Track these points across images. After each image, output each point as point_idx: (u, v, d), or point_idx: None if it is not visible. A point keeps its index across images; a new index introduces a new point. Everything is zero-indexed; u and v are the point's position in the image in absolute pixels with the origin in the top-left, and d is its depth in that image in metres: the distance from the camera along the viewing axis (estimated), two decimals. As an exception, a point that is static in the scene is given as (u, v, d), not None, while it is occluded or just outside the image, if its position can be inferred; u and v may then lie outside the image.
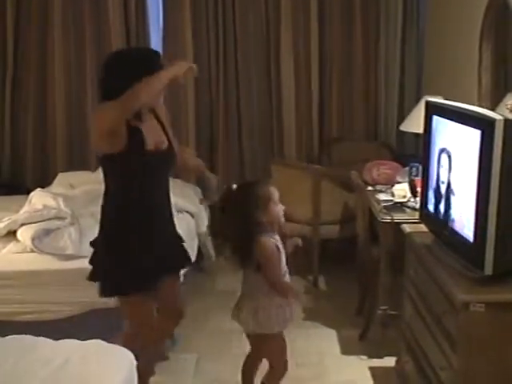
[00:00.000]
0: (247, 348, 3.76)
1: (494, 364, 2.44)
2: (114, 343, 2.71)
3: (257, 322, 2.87)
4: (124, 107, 2.64)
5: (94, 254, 2.96)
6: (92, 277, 2.95)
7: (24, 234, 3.76)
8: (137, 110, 2.72)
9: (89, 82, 5.45)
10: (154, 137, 2.85)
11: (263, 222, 2.81)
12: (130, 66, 2.75)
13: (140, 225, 2.86)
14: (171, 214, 3.06)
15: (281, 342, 2.97)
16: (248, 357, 3.10)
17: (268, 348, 2.98)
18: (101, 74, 2.83)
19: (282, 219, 2.91)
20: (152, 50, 3.31)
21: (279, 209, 2.88)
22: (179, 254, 3.14)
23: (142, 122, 2.81)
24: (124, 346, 2.70)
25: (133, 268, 2.84)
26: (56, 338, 2.70)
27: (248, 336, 3.02)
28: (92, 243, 2.99)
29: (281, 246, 2.87)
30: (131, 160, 2.76)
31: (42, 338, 2.69)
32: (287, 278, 2.91)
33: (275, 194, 2.86)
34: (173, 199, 3.06)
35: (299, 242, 3.05)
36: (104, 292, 2.92)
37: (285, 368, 3.01)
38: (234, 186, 2.86)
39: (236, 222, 2.82)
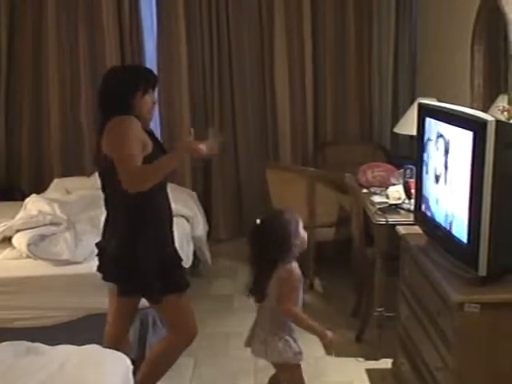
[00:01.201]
0: (244, 351, 3.76)
1: (489, 364, 2.45)
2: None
3: (268, 351, 2.82)
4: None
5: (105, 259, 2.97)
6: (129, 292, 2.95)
7: (19, 240, 3.76)
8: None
9: (83, 88, 5.46)
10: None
11: (296, 246, 2.78)
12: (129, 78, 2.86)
13: (161, 223, 2.92)
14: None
15: (297, 372, 2.88)
16: (273, 376, 3.04)
17: (283, 376, 2.93)
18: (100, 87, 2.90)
19: (305, 245, 2.88)
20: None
21: (305, 236, 2.85)
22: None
23: None
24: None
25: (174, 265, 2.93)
26: (52, 344, 2.70)
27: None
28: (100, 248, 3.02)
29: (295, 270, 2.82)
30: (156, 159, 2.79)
31: (37, 344, 2.69)
32: (300, 305, 2.86)
33: (300, 219, 2.83)
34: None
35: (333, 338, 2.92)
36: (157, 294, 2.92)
37: None
38: (258, 221, 2.81)
39: (270, 250, 2.76)
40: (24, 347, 2.64)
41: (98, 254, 3.04)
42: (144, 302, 3.08)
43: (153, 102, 2.91)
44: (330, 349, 2.78)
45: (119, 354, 2.63)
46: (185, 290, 2.99)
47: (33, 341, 2.72)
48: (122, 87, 2.82)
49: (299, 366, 2.87)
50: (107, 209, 2.94)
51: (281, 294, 2.76)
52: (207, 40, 5.45)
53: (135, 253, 2.82)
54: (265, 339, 2.83)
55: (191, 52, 5.48)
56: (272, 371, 3.03)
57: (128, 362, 2.61)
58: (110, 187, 2.87)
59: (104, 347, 2.74)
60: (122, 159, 2.67)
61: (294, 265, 2.80)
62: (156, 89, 2.95)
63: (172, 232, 3.01)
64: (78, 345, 2.69)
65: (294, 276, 2.77)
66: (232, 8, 5.40)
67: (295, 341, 2.82)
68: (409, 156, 4.72)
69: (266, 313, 2.85)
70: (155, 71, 3.22)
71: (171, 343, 3.06)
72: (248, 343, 2.96)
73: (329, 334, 2.79)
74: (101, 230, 3.01)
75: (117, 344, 2.92)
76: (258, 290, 2.84)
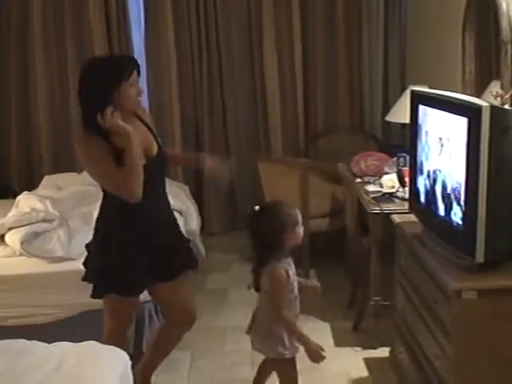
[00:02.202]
0: (240, 345, 3.77)
1: (487, 351, 2.45)
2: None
3: (265, 345, 2.84)
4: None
5: (89, 255, 2.98)
6: (85, 278, 2.98)
7: (12, 238, 3.74)
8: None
9: (71, 83, 5.40)
10: (144, 143, 2.84)
11: (288, 243, 2.77)
12: (103, 75, 2.75)
13: (138, 229, 2.86)
14: (173, 216, 3.09)
15: (291, 366, 2.88)
16: (265, 360, 3.03)
17: (277, 369, 2.94)
18: (78, 84, 2.85)
19: (299, 242, 2.85)
20: (127, 57, 3.23)
21: (301, 231, 2.82)
22: (184, 255, 3.11)
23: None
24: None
25: (126, 270, 2.87)
26: (49, 341, 2.68)
27: None
28: (87, 246, 3.01)
29: (292, 270, 2.80)
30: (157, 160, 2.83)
31: (34, 342, 2.67)
32: (297, 304, 2.85)
33: (299, 215, 2.81)
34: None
35: (319, 289, 2.97)
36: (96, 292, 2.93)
37: None
38: (257, 208, 2.82)
39: (264, 242, 2.76)
40: (20, 346, 2.62)
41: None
42: (142, 296, 3.08)
43: (138, 92, 2.81)
44: (317, 359, 2.78)
45: (117, 349, 2.62)
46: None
47: (29, 339, 2.70)
48: (98, 86, 2.73)
49: (293, 359, 2.87)
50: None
51: (270, 293, 2.77)
52: (195, 31, 5.40)
53: (112, 251, 2.85)
54: (261, 333, 2.84)
55: (179, 43, 5.43)
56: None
57: (126, 357, 2.60)
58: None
59: (102, 343, 2.73)
60: (102, 180, 2.78)
61: (283, 267, 2.74)
62: (138, 77, 2.84)
63: (163, 228, 2.98)
64: (75, 342, 2.67)
65: (277, 281, 2.73)
66: (220, 4, 5.36)
67: (288, 336, 2.80)
68: (401, 144, 4.72)
69: (261, 305, 2.86)
70: (143, 62, 3.13)
71: (171, 328, 3.13)
72: (248, 331, 2.96)
73: (315, 346, 2.76)
74: (93, 226, 2.99)
75: (116, 339, 2.91)
76: (254, 279, 2.85)
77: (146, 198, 2.76)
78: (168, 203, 3.03)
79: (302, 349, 2.82)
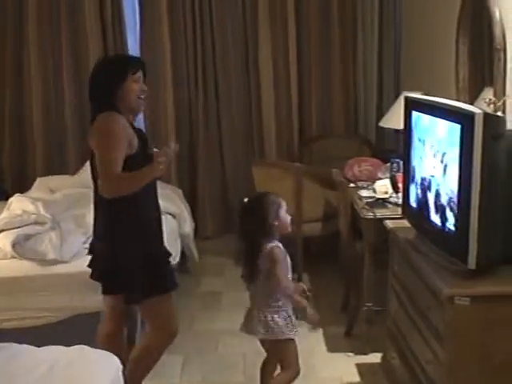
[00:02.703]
0: (233, 348, 3.76)
1: (479, 357, 2.45)
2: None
3: (267, 328, 2.89)
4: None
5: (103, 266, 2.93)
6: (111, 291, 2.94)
7: (4, 241, 3.72)
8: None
9: (66, 85, 5.41)
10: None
11: (275, 226, 2.89)
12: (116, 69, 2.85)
13: (147, 223, 2.90)
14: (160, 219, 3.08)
15: (293, 347, 2.98)
16: (265, 361, 3.09)
17: (281, 352, 2.99)
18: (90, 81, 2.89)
19: (290, 229, 2.98)
20: (135, 57, 3.41)
21: (288, 217, 2.96)
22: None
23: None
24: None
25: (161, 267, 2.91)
26: (39, 345, 2.67)
27: (262, 343, 3.03)
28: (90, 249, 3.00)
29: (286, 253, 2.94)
30: (140, 160, 2.79)
31: (25, 346, 2.66)
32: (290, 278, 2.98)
33: (283, 202, 2.96)
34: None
35: (305, 287, 3.04)
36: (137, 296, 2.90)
37: (297, 373, 3.00)
38: (246, 199, 2.99)
39: (251, 228, 2.90)
40: (11, 349, 2.60)
41: (90, 252, 3.04)
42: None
43: (141, 89, 2.88)
44: (314, 322, 3.03)
45: (108, 353, 2.61)
46: (169, 292, 2.97)
47: (20, 342, 2.69)
48: (106, 78, 2.83)
49: (293, 340, 2.95)
50: (94, 207, 2.93)
51: (268, 270, 2.86)
52: (190, 36, 5.40)
53: (117, 251, 2.83)
54: (260, 318, 2.91)
55: (175, 48, 5.44)
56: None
57: (117, 361, 2.59)
58: (95, 184, 2.87)
59: (97, 347, 2.72)
60: (105, 162, 2.70)
61: (276, 243, 2.90)
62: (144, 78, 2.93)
63: (160, 232, 2.99)
64: (66, 345, 2.66)
65: (275, 254, 2.87)
66: (216, 8, 5.37)
67: (289, 315, 2.91)
68: (394, 150, 4.73)
69: (259, 292, 2.92)
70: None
71: (152, 341, 3.06)
72: (243, 328, 3.03)
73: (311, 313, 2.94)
74: (86, 229, 3.00)
75: (110, 344, 2.90)
76: (247, 270, 2.95)
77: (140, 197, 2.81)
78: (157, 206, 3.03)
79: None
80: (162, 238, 3.01)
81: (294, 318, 2.93)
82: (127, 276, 2.83)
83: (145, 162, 2.80)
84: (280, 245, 2.92)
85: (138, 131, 2.90)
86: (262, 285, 2.90)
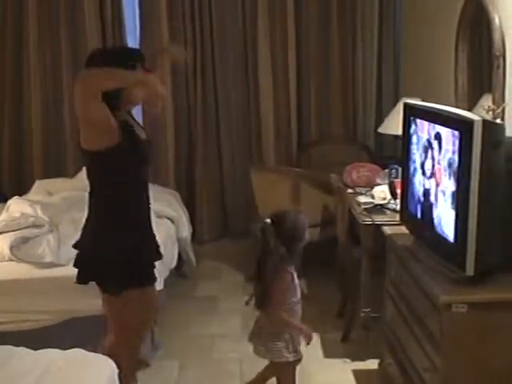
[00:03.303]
0: (229, 353, 3.76)
1: (476, 364, 2.45)
2: (98, 352, 2.69)
3: (269, 351, 2.90)
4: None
5: (83, 255, 2.91)
6: (85, 279, 2.91)
7: (2, 243, 3.71)
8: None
9: (65, 87, 5.40)
10: (136, 127, 2.89)
11: (299, 250, 2.87)
12: (114, 59, 2.78)
13: (137, 218, 2.89)
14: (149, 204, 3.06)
15: (291, 369, 2.99)
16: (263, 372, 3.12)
17: (279, 373, 3.02)
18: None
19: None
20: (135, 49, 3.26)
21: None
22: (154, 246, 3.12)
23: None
24: (110, 352, 2.73)
25: (135, 262, 2.85)
26: (36, 348, 2.67)
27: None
28: (77, 245, 2.96)
29: (295, 275, 2.92)
30: (127, 153, 2.76)
31: (21, 348, 2.66)
32: (299, 307, 2.97)
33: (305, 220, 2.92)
34: (152, 205, 3.04)
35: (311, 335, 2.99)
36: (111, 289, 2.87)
37: None
38: (268, 221, 2.86)
39: (278, 252, 2.82)
40: (7, 352, 2.60)
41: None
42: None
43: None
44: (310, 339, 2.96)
45: (104, 357, 2.60)
46: (147, 285, 2.96)
47: (16, 345, 2.68)
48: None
49: (293, 363, 2.96)
50: (88, 208, 2.93)
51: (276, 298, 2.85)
52: (190, 41, 5.41)
53: (101, 241, 2.83)
54: (265, 338, 2.90)
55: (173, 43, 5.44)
56: (259, 368, 3.10)
57: (113, 365, 2.58)
58: (91, 185, 2.87)
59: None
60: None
61: (290, 273, 2.87)
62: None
63: (147, 229, 2.98)
64: (62, 348, 2.66)
65: (283, 285, 2.84)
66: (215, 12, 5.37)
67: (293, 339, 2.90)
68: (393, 156, 4.73)
69: (268, 315, 2.91)
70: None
71: (113, 344, 2.99)
72: (250, 338, 3.02)
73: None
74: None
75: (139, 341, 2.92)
76: (259, 295, 2.89)
77: (137, 183, 2.85)
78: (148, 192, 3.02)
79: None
80: (147, 235, 2.99)
81: (296, 341, 2.92)
82: (105, 265, 2.81)
83: (136, 154, 2.80)
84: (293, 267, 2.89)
85: (126, 123, 2.82)
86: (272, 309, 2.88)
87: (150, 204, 3.00)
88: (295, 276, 2.89)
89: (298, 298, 2.94)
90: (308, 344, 2.94)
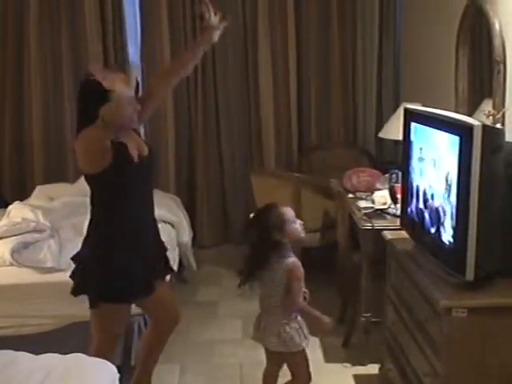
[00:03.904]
0: (229, 357, 3.76)
1: (477, 369, 2.45)
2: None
3: (280, 340, 2.90)
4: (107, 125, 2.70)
5: (79, 267, 2.94)
6: (78, 290, 2.94)
7: (3, 248, 3.71)
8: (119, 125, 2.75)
9: (66, 93, 5.42)
10: (135, 145, 2.87)
11: (284, 242, 2.89)
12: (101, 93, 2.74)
13: (130, 233, 2.87)
14: (155, 221, 3.07)
15: (304, 356, 2.99)
16: (266, 371, 3.10)
17: (294, 363, 3.01)
18: (77, 100, 2.88)
19: (303, 234, 2.98)
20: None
21: (297, 226, 2.95)
22: (163, 262, 3.15)
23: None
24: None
25: (127, 275, 2.85)
26: (37, 353, 2.66)
27: (267, 350, 3.02)
28: (74, 258, 2.98)
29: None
30: (119, 173, 2.75)
31: (22, 353, 2.65)
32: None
33: (288, 213, 2.94)
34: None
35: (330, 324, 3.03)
36: (97, 301, 2.88)
37: (309, 379, 3.02)
38: (252, 215, 2.97)
39: (255, 244, 2.91)
40: (8, 357, 2.60)
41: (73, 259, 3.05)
42: (132, 309, 3.09)
43: (134, 110, 2.80)
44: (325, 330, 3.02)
45: (105, 362, 2.60)
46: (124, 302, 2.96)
47: (16, 350, 2.68)
48: (95, 99, 2.72)
49: (304, 350, 2.97)
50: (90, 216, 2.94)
51: (289, 285, 2.86)
52: (190, 37, 5.42)
53: (99, 255, 2.86)
54: (272, 329, 2.90)
55: (174, 47, 5.41)
56: (259, 372, 3.10)
57: (114, 370, 2.58)
58: (92, 192, 2.88)
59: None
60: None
61: (293, 258, 2.90)
62: (137, 94, 2.88)
63: (144, 248, 2.97)
64: (63, 353, 2.65)
65: (296, 267, 2.88)
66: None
67: (301, 326, 2.92)
68: (393, 161, 4.74)
69: (272, 303, 2.91)
70: (138, 75, 3.14)
71: (155, 329, 3.16)
72: (255, 337, 3.03)
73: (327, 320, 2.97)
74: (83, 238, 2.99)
75: (105, 354, 2.90)
76: (247, 275, 2.96)
77: (132, 202, 2.83)
78: (153, 210, 3.03)
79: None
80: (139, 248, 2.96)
81: (305, 328, 2.94)
82: (92, 275, 2.85)
83: (129, 174, 2.80)
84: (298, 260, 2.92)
85: (122, 144, 2.79)
86: (276, 296, 2.89)
87: (155, 220, 3.04)
88: (295, 263, 2.90)
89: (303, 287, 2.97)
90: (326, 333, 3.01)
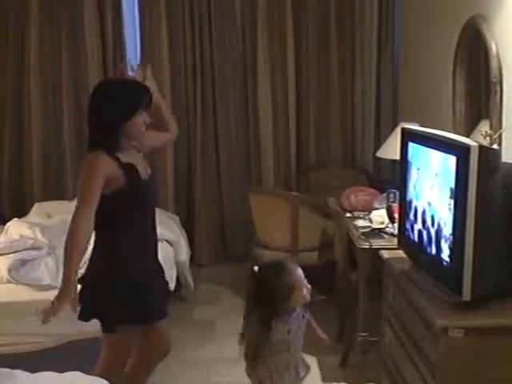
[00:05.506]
0: (226, 377, 3.74)
1: (473, 389, 2.45)
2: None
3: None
4: None
5: (87, 292, 2.87)
6: (88, 315, 2.89)
7: (0, 265, 3.72)
8: None
9: (65, 110, 5.42)
10: (140, 165, 2.88)
11: (293, 303, 2.83)
12: (117, 103, 2.76)
13: (140, 253, 2.87)
14: (156, 243, 3.07)
15: None
16: None
17: None
18: (88, 112, 2.82)
19: (308, 299, 2.88)
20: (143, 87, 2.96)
21: (304, 293, 2.84)
22: (163, 285, 3.14)
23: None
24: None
25: (137, 299, 2.83)
26: (33, 371, 2.65)
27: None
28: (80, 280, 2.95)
29: (294, 326, 2.88)
30: (131, 194, 2.75)
31: (19, 371, 2.64)
32: (300, 353, 2.97)
33: (297, 275, 2.83)
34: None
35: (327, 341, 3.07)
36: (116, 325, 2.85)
37: None
38: (256, 268, 2.84)
39: (268, 304, 2.80)
40: (5, 375, 2.58)
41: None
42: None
43: (144, 122, 2.81)
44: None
45: (101, 380, 2.59)
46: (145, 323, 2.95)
47: (14, 368, 2.67)
48: (110, 112, 2.74)
49: None
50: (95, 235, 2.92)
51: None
52: (190, 67, 5.46)
53: (100, 277, 2.83)
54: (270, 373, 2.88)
55: (174, 79, 5.46)
56: None
57: (110, 388, 2.57)
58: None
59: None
60: (78, 203, 2.72)
61: (282, 326, 2.82)
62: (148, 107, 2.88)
63: (150, 263, 2.98)
64: (60, 371, 2.65)
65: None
66: (215, 35, 5.43)
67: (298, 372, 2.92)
68: (391, 180, 4.75)
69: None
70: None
71: (144, 357, 3.08)
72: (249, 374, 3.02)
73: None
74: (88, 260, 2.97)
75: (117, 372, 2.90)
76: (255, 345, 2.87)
77: (138, 221, 2.83)
78: (155, 230, 3.02)
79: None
80: (150, 268, 2.98)
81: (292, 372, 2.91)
82: (106, 303, 2.81)
83: (140, 194, 2.80)
84: (294, 315, 2.88)
85: (131, 164, 2.80)
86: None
87: (156, 242, 3.03)
88: (292, 326, 2.84)
89: (299, 344, 2.92)
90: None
